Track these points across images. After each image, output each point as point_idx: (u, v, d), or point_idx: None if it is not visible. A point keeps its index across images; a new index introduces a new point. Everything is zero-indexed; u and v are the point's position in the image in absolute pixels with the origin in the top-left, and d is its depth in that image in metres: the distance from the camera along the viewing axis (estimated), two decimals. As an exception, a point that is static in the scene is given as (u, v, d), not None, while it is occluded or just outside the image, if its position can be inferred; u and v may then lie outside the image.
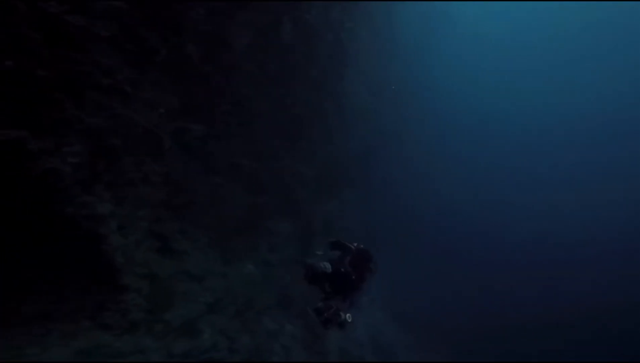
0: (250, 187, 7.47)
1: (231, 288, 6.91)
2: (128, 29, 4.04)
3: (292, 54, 7.77)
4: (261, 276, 7.83)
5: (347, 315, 3.33)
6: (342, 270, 3.39)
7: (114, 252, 4.21)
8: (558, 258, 21.36)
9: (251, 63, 6.66)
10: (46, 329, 3.60)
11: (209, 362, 5.42)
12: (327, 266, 3.38)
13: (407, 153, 13.78)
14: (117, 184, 4.38)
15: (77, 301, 3.98)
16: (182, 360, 5.03)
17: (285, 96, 7.94)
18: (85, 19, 3.35)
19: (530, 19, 29.95)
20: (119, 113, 4.15)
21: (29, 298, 3.47)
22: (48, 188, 3.34)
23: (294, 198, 8.91)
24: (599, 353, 13.49)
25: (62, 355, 3.56)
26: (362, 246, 3.87)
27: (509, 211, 24.22)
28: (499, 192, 24.43)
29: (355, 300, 3.53)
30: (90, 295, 4.13)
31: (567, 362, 13.12)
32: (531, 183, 26.59)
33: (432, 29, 16.12)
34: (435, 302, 13.83)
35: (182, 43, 4.91)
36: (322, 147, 9.61)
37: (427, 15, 15.31)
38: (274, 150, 7.97)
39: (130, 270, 4.50)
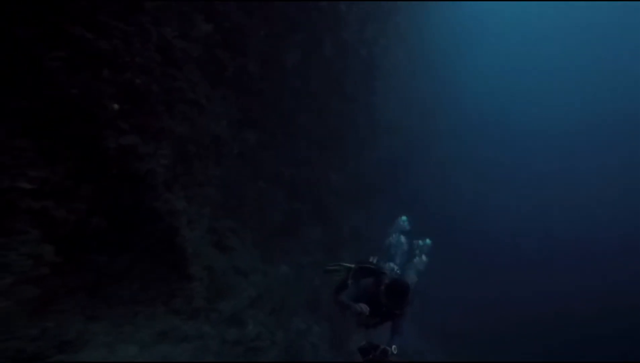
0: (289, 193, 8.01)
1: (269, 287, 7.38)
2: (208, 49, 4.69)
3: (330, 70, 8.37)
4: (293, 278, 8.28)
5: (393, 347, 3.04)
6: (383, 303, 3.07)
7: (185, 243, 4.76)
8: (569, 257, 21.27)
9: (297, 79, 7.28)
10: (135, 312, 4.15)
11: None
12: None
13: (434, 165, 14.10)
14: (189, 184, 4.97)
15: (155, 288, 4.53)
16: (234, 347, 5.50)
17: (323, 109, 8.52)
18: (185, 42, 3.99)
19: (564, 26, 29.96)
20: (196, 123, 4.77)
21: (124, 283, 4.04)
22: (147, 185, 3.93)
23: (326, 205, 9.39)
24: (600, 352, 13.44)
25: (148, 334, 4.10)
26: (396, 269, 3.56)
27: (539, 217, 24.11)
28: (527, 201, 24.35)
29: (398, 328, 3.27)
30: (165, 282, 4.68)
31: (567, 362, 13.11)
32: (563, 188, 26.25)
33: (462, 43, 16.63)
34: (465, 311, 13.93)
35: (246, 62, 5.54)
36: (353, 158, 10.11)
37: (457, 30, 15.82)
38: (311, 159, 8.51)
39: (196, 261, 5.05)
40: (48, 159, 2.96)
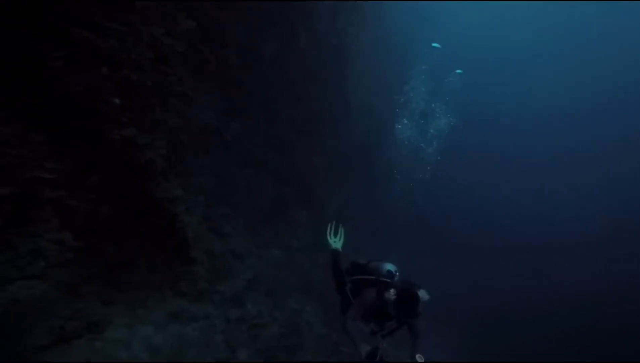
0: (275, 179, 8.37)
1: (263, 269, 7.79)
2: (192, 44, 4.91)
3: (305, 59, 8.71)
4: (285, 261, 8.72)
5: (418, 355, 2.92)
6: (393, 315, 2.87)
7: (185, 228, 5.06)
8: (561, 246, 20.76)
9: (275, 69, 7.57)
10: (146, 296, 4.44)
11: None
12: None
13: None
14: (182, 173, 5.23)
15: (161, 272, 4.82)
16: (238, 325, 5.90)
17: (301, 96, 8.87)
18: (171, 38, 4.22)
19: (520, 14, 30.67)
20: (186, 115, 5.02)
21: (133, 270, 4.31)
22: (147, 175, 4.19)
23: (310, 188, 9.83)
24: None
25: (160, 315, 4.41)
26: (394, 271, 3.18)
27: (510, 199, 24.54)
28: (499, 179, 24.79)
29: (416, 331, 3.12)
30: (169, 267, 4.97)
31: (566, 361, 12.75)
32: (532, 170, 27.02)
33: (420, 26, 17.29)
34: (441, 288, 13.94)
35: (226, 54, 5.79)
36: (331, 141, 10.57)
37: (415, 15, 16.44)
38: (293, 144, 8.88)
39: (196, 245, 5.36)
40: (59, 152, 3.18)
